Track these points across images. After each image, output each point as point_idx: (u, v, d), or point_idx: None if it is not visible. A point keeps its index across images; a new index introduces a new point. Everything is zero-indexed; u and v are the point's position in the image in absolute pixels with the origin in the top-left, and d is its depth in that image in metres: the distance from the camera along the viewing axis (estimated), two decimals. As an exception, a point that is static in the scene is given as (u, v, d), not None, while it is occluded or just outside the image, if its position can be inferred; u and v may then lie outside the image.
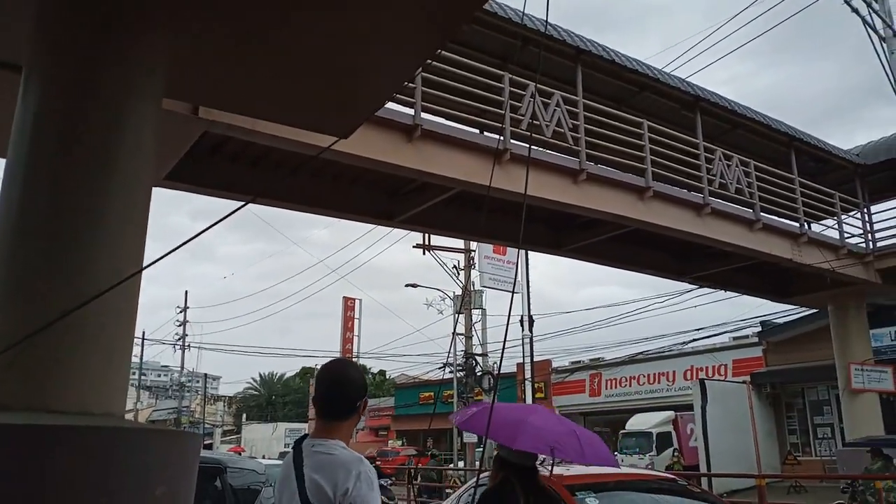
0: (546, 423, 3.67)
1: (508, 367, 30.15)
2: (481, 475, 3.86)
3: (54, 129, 3.31)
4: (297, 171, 10.22)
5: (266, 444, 47.91)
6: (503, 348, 3.20)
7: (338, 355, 42.95)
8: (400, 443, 40.70)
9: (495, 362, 27.05)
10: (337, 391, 2.56)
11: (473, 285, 26.18)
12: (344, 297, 44.17)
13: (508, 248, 26.50)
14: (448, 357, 25.84)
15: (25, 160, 3.26)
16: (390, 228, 13.37)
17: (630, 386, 30.79)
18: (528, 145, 10.28)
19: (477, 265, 25.94)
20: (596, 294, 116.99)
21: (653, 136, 12.05)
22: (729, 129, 14.10)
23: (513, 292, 3.23)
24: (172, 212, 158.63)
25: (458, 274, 26.07)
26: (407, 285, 28.86)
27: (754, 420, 20.33)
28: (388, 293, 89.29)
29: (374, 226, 13.26)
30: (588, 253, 13.44)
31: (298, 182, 10.58)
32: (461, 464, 27.95)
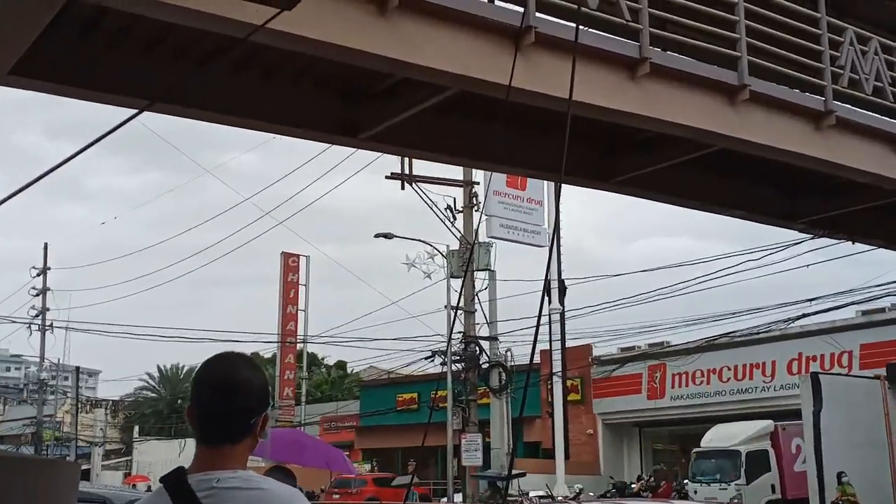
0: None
1: (528, 354, 30.27)
2: None
3: None
4: (210, 61, 9.95)
5: (170, 468, 48.24)
6: (537, 329, 3.15)
7: (275, 337, 43.23)
8: (368, 467, 41.20)
9: (509, 349, 27.17)
10: (225, 402, 2.59)
11: (477, 235, 26.01)
12: (283, 252, 44.47)
13: (530, 180, 26.33)
14: (448, 343, 25.86)
15: None
16: (353, 149, 14.29)
17: (707, 384, 31.24)
18: (564, 21, 9.95)
19: (483, 206, 25.72)
20: (656, 248, 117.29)
21: (751, 6, 11.65)
22: (866, -6, 13.85)
23: (552, 247, 3.15)
24: (19, 126, 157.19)
25: (454, 219, 26.04)
26: (377, 236, 28.89)
27: (891, 432, 20.59)
28: (348, 247, 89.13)
29: (327, 145, 13.80)
30: (649, 186, 13.26)
31: (213, 79, 10.30)
32: (458, 497, 28.32)
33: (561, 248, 25.24)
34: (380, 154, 18.17)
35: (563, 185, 10.66)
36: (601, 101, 10.43)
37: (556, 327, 27.05)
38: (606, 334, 32.10)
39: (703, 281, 27.28)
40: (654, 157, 12.73)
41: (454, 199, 26.49)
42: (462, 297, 25.06)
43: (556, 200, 12.21)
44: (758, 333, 28.70)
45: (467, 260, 23.73)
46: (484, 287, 27.17)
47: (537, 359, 28.65)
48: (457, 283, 26.03)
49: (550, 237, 13.24)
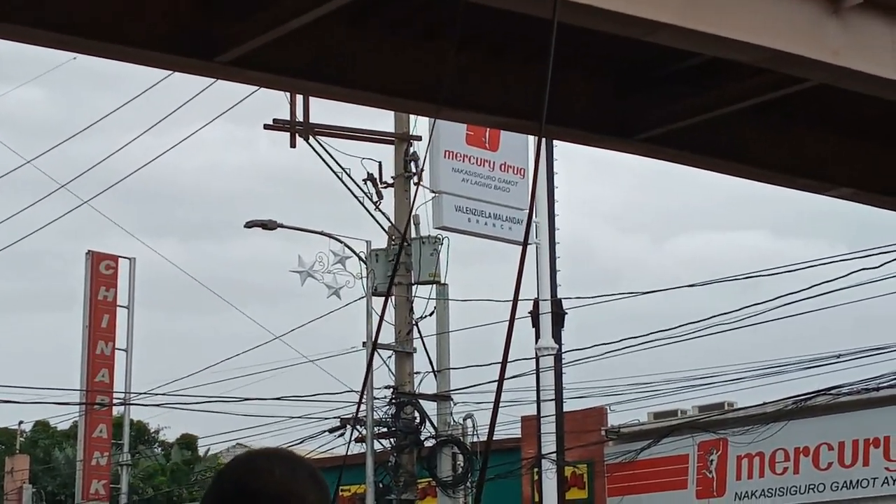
0: None
1: (504, 425, 25.46)
2: None
3: None
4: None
5: None
6: (500, 381, 3.37)
7: (75, 396, 34.56)
8: None
9: (470, 415, 22.48)
10: None
11: (416, 225, 22.07)
12: (91, 252, 36.68)
13: (506, 135, 22.55)
14: (368, 404, 21.21)
15: None
16: (208, 79, 14.09)
17: (795, 472, 26.10)
18: None
19: (428, 176, 22.36)
20: (709, 249, 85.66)
21: None
22: None
23: (525, 246, 3.95)
24: None
25: (380, 198, 22.09)
26: (250, 225, 24.64)
27: None
28: (203, 243, 77.82)
29: (165, 72, 13.77)
30: (697, 147, 11.42)
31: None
32: None
33: (555, 247, 21.15)
34: (254, 88, 15.61)
35: (552, 144, 7.50)
36: (613, 3, 7.95)
37: (549, 378, 21.78)
38: (629, 390, 25.41)
39: (786, 302, 21.63)
40: (704, 98, 10.36)
41: (379, 164, 22.44)
42: (394, 326, 21.26)
43: (536, 168, 9.51)
44: (878, 389, 23.54)
45: (396, 266, 20.16)
46: (429, 312, 22.72)
47: (509, 431, 25.00)
48: (388, 306, 22.14)
49: (526, 228, 12.28)
